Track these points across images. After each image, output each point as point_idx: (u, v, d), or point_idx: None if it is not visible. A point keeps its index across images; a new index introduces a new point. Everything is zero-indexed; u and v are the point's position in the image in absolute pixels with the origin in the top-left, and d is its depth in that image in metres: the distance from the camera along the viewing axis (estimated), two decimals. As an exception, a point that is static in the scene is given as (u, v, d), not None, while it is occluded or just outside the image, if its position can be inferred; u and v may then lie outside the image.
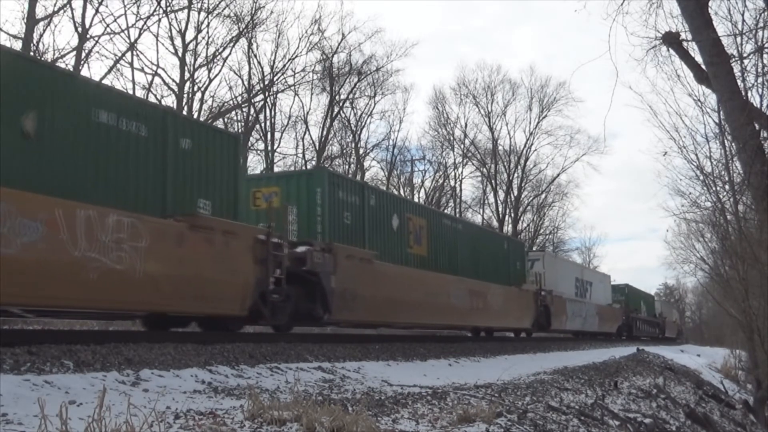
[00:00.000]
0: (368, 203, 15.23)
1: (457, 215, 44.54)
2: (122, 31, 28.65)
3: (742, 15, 11.06)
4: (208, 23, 33.09)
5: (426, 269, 17.38)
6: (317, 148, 41.21)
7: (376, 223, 15.61)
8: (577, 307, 30.97)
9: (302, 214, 13.66)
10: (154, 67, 31.93)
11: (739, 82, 10.49)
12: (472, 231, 22.42)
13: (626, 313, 42.12)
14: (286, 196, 13.73)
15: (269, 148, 38.88)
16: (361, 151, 46.18)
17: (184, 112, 29.71)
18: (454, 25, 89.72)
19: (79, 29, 26.55)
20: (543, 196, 57.55)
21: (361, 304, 14.04)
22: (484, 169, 54.03)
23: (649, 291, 63.03)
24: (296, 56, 37.54)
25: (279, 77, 37.20)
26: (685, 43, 11.22)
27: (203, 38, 33.19)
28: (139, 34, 29.74)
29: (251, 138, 37.81)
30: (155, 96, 31.35)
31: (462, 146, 52.70)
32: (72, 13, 26.54)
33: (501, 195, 54.56)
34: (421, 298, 16.52)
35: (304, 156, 41.24)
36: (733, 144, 11.59)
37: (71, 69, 24.24)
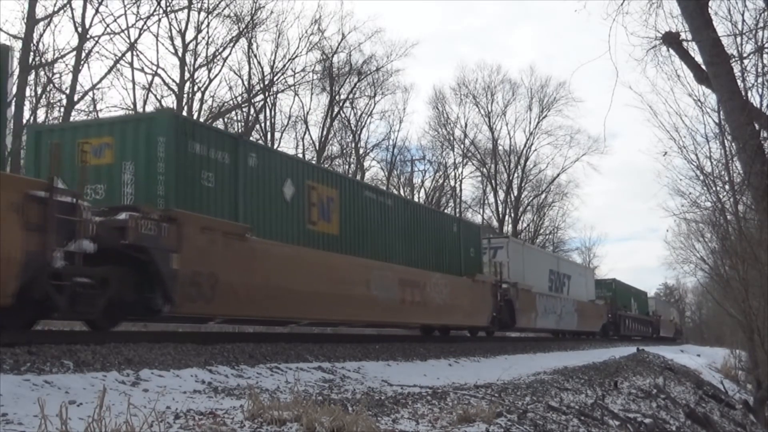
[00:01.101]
0: (245, 163, 11.75)
1: (457, 215, 44.53)
2: (122, 31, 28.67)
3: (742, 15, 11.06)
4: (208, 23, 33.12)
5: (336, 251, 13.95)
6: (317, 148, 41.22)
7: (259, 190, 12.07)
8: (551, 303, 27.41)
9: (140, 172, 10.42)
10: (154, 67, 31.94)
11: (739, 82, 10.49)
12: (409, 209, 18.19)
13: (612, 311, 38.96)
14: (121, 148, 10.63)
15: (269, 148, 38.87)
16: (361, 151, 46.22)
17: (184, 113, 29.72)
18: (453, 25, 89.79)
19: (79, 29, 26.56)
20: (543, 196, 57.66)
21: (226, 294, 10.72)
22: (484, 169, 54.07)
23: (649, 290, 62.83)
24: (296, 56, 37.57)
25: (279, 77, 37.23)
26: (685, 43, 11.22)
27: (203, 38, 33.22)
28: (139, 34, 29.76)
29: (251, 138, 37.79)
30: (155, 96, 31.37)
31: (462, 146, 52.76)
32: (72, 13, 26.56)
33: (501, 195, 54.64)
34: (326, 287, 13.08)
35: (303, 156, 41.23)
36: (733, 144, 11.59)
37: (71, 68, 24.26)
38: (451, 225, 20.24)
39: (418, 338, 18.11)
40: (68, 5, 26.15)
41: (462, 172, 52.67)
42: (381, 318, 16.16)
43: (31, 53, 24.35)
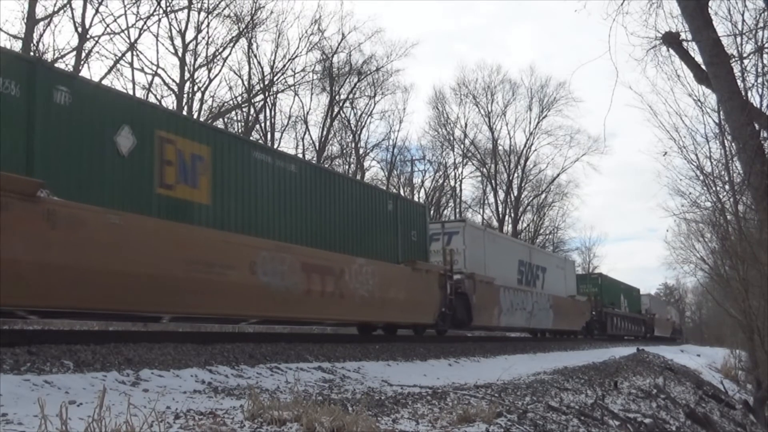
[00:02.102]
0: (49, 99, 8.61)
1: (457, 215, 44.50)
2: (122, 31, 28.65)
3: (742, 15, 11.07)
4: (208, 23, 33.13)
5: (206, 225, 10.80)
6: (317, 148, 41.23)
7: (73, 138, 8.88)
8: (520, 298, 23.75)
9: None
10: (154, 67, 31.96)
11: (739, 82, 10.49)
12: (323, 178, 14.30)
13: (597, 307, 35.59)
14: None
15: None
16: (361, 151, 46.24)
17: (184, 113, 29.74)
18: (452, 24, 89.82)
19: (79, 29, 26.55)
20: (543, 196, 57.65)
21: None
22: (484, 169, 54.08)
23: (649, 290, 62.64)
24: (296, 56, 37.60)
25: (279, 77, 37.25)
26: (685, 43, 11.23)
27: (203, 38, 33.23)
28: (139, 34, 29.75)
29: (251, 138, 37.81)
30: (155, 96, 31.37)
31: (462, 146, 52.79)
32: (72, 13, 26.54)
33: (501, 195, 54.64)
34: (181, 271, 9.97)
35: (304, 156, 41.24)
36: (733, 144, 11.59)
37: (71, 69, 24.26)
38: (385, 202, 16.25)
39: (418, 338, 18.08)
40: (68, 5, 26.16)
41: (462, 172, 52.78)
42: (275, 312, 12.39)
43: (31, 53, 24.33)
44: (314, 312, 13.31)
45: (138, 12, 29.09)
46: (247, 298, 11.39)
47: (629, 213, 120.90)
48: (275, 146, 39.08)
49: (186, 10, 31.69)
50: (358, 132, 45.68)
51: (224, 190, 11.35)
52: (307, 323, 17.22)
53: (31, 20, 24.32)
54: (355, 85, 42.90)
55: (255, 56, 36.62)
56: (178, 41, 32.36)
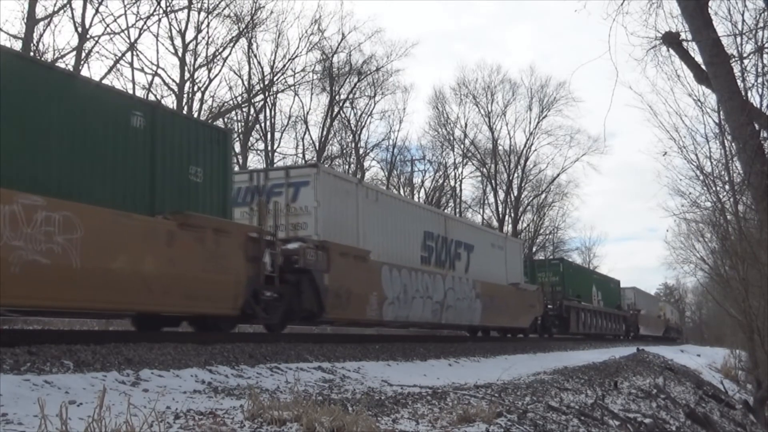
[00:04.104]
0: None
1: (457, 215, 44.46)
2: (122, 31, 28.68)
3: (742, 15, 11.06)
4: (208, 23, 33.15)
5: None
6: (317, 148, 41.23)
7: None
8: (423, 283, 17.58)
9: None
10: (154, 67, 31.96)
11: (739, 82, 10.49)
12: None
13: (557, 300, 28.99)
14: None
15: (269, 148, 38.90)
16: (361, 151, 46.25)
17: (184, 112, 29.73)
18: (452, 24, 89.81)
19: (79, 29, 26.57)
20: (543, 196, 57.65)
21: None
22: (484, 169, 54.08)
23: (649, 290, 62.26)
24: (296, 56, 37.62)
25: (279, 77, 37.27)
26: (685, 43, 11.22)
27: (203, 38, 33.25)
28: (139, 34, 29.77)
29: (251, 138, 37.85)
30: (155, 96, 31.37)
31: (462, 146, 52.77)
32: (72, 13, 26.57)
33: (501, 195, 54.63)
34: None
35: (303, 156, 41.29)
36: (733, 144, 11.59)
37: (71, 69, 24.25)
38: (126, 113, 9.99)
39: (418, 338, 18.07)
40: (68, 5, 26.19)
41: (462, 172, 52.76)
42: None
43: (31, 53, 24.33)
44: None
45: (138, 12, 29.17)
46: None
47: (629, 213, 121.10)
48: (275, 146, 39.08)
49: (186, 10, 31.75)
50: (358, 132, 45.74)
51: None
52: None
53: (31, 20, 24.33)
54: (355, 85, 42.96)
55: (255, 56, 36.70)
56: (178, 41, 32.42)
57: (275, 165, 34.74)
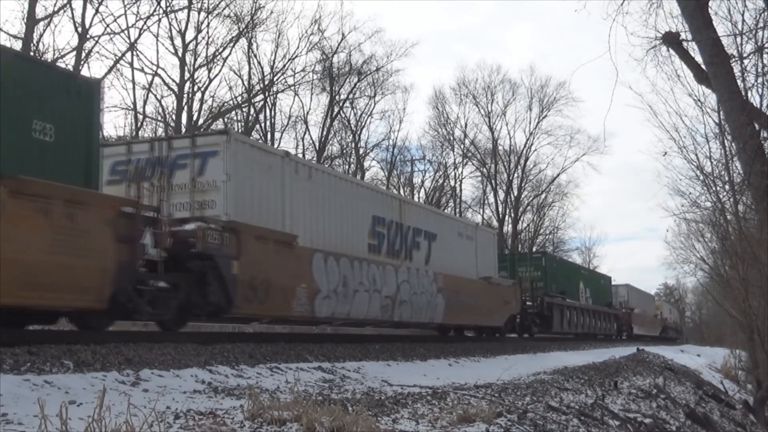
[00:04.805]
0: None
1: (457, 215, 44.45)
2: (122, 31, 28.67)
3: (742, 15, 11.05)
4: (208, 23, 33.12)
5: None
6: (317, 148, 41.23)
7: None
8: (369, 274, 15.22)
9: None
10: (154, 67, 31.94)
11: (739, 82, 10.48)
12: None
13: (536, 296, 26.52)
14: None
15: (269, 148, 38.85)
16: (361, 151, 46.23)
17: (184, 113, 29.74)
18: (452, 24, 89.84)
19: (79, 29, 26.56)
20: (543, 196, 57.63)
21: None
22: (484, 169, 54.07)
23: (650, 290, 62.18)
24: (296, 56, 37.57)
25: (279, 77, 37.24)
26: (685, 43, 11.22)
27: (203, 38, 33.22)
28: (139, 34, 29.75)
29: (251, 138, 37.81)
30: (155, 96, 31.38)
31: (462, 146, 52.74)
32: (72, 13, 26.55)
33: (501, 195, 54.60)
34: None
35: (303, 156, 41.25)
36: (733, 144, 11.59)
37: (71, 69, 24.25)
38: None
39: (418, 338, 18.06)
40: (68, 5, 26.18)
41: (462, 172, 52.72)
42: None
43: (31, 53, 24.33)
44: None
45: (138, 12, 29.14)
46: None
47: (629, 213, 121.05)
48: (276, 146, 39.11)
49: (186, 10, 31.72)
50: (358, 132, 45.71)
51: None
52: None
53: (31, 20, 24.33)
54: (355, 85, 42.93)
55: (255, 56, 36.66)
56: (178, 41, 32.40)
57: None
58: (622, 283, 44.87)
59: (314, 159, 38.78)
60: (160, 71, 32.21)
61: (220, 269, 10.97)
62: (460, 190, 53.34)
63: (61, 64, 25.29)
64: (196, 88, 33.40)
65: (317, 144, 41.52)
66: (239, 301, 11.38)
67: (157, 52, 40.62)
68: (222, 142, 11.82)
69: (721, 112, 11.77)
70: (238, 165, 11.78)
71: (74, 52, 26.64)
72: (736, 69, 10.54)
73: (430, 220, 18.94)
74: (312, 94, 41.24)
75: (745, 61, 10.84)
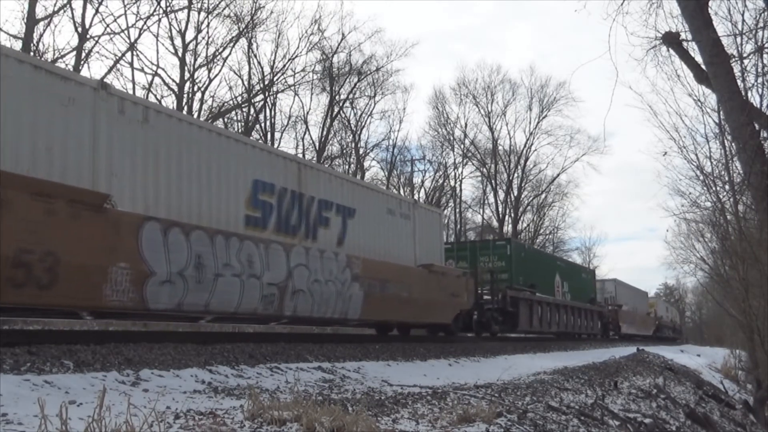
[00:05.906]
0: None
1: (457, 215, 44.42)
2: (122, 31, 28.64)
3: (742, 15, 11.07)
4: (208, 23, 33.10)
5: None
6: (317, 148, 41.22)
7: None
8: (241, 255, 11.39)
9: None
10: (154, 67, 31.91)
11: (739, 82, 10.49)
12: None
13: (497, 289, 22.23)
14: None
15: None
16: (361, 151, 46.22)
17: (184, 112, 29.71)
18: (452, 24, 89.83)
19: (79, 29, 26.55)
20: (543, 196, 57.66)
21: None
22: (484, 169, 54.08)
23: (649, 290, 61.97)
24: (296, 56, 37.57)
25: (279, 77, 37.23)
26: (685, 43, 11.22)
27: (203, 38, 33.20)
28: (139, 34, 29.73)
29: (251, 138, 37.81)
30: (155, 96, 31.38)
31: (462, 146, 52.75)
32: (72, 13, 26.53)
33: (501, 195, 54.62)
34: None
35: (303, 156, 41.23)
36: (733, 144, 11.59)
37: (71, 69, 24.24)
38: None
39: (418, 338, 18.04)
40: (68, 5, 26.15)
41: (462, 172, 52.72)
42: None
43: (31, 53, 24.33)
44: None
45: (138, 12, 29.13)
46: None
47: (629, 213, 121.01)
48: (276, 146, 39.07)
49: (186, 10, 31.71)
50: (358, 132, 45.70)
51: None
52: None
53: (31, 20, 24.32)
54: (355, 85, 42.92)
55: (255, 56, 36.65)
56: (178, 41, 32.38)
57: None
58: (609, 278, 41.78)
59: (314, 159, 38.77)
60: (160, 71, 32.23)
61: None
62: (460, 190, 53.41)
63: (61, 64, 25.30)
64: (196, 88, 33.42)
65: (317, 144, 41.54)
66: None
67: (157, 52, 40.76)
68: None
69: (721, 112, 11.78)
70: (10, 92, 8.33)
71: (74, 52, 26.66)
72: (736, 69, 10.55)
73: (345, 192, 15.06)
74: (312, 94, 41.28)
75: (745, 61, 10.86)
